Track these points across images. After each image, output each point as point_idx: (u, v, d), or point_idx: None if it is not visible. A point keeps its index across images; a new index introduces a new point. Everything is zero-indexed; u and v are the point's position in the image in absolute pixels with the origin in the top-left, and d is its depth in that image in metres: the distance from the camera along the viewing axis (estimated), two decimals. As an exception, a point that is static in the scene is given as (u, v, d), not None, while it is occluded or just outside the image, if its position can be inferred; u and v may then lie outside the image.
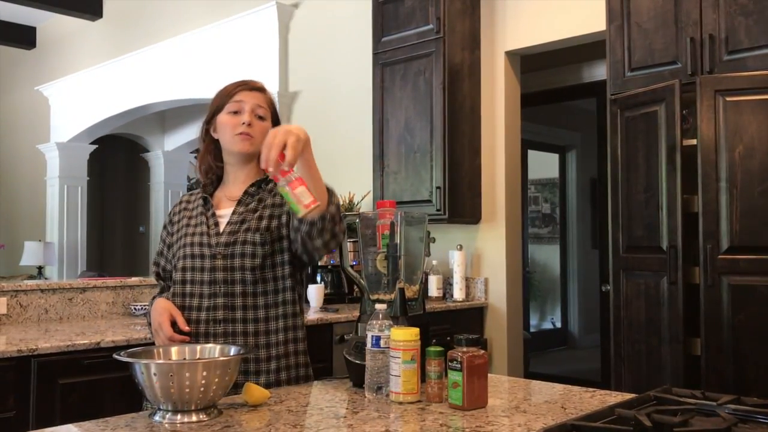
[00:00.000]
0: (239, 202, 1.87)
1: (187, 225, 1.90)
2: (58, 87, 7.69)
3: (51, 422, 2.35)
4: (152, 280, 2.84)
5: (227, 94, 1.88)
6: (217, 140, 1.91)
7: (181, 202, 2.00)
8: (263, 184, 1.90)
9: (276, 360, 1.83)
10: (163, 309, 1.80)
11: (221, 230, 1.85)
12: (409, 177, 3.96)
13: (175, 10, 6.29)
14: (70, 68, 7.60)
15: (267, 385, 1.74)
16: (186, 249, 1.85)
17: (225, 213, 1.88)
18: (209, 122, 1.91)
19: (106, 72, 6.99)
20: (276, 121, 1.93)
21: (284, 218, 1.85)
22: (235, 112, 1.85)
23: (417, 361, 1.57)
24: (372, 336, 1.62)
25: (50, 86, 7.78)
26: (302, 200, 1.55)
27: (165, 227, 1.99)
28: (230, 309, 1.80)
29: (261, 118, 1.87)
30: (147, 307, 2.07)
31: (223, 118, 1.87)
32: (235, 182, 1.91)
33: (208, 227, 1.86)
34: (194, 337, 1.79)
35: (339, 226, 1.74)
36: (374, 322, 1.63)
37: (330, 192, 1.74)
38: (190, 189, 8.23)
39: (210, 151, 1.93)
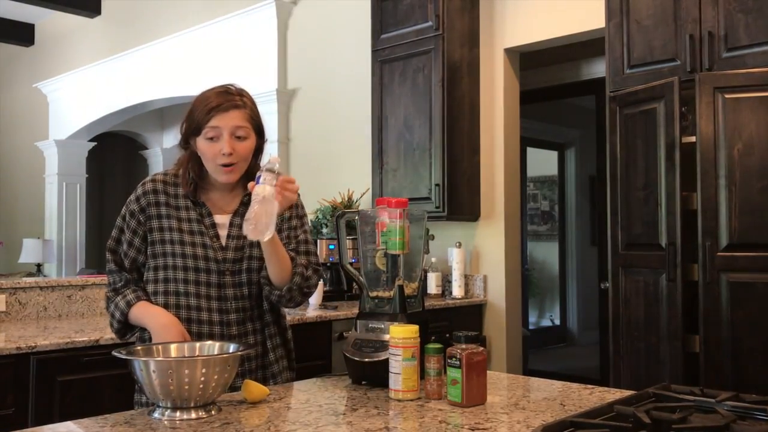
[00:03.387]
0: (236, 213, 1.84)
1: (179, 229, 1.79)
2: (57, 84, 7.69)
3: (50, 420, 2.35)
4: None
5: (203, 114, 1.75)
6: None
7: (149, 192, 1.82)
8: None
9: (288, 360, 1.92)
10: (178, 332, 1.71)
11: (224, 244, 1.81)
12: (408, 174, 3.96)
13: (174, 8, 6.28)
14: (68, 65, 7.59)
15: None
16: (188, 260, 1.78)
17: (222, 222, 1.83)
18: (187, 139, 1.80)
19: (105, 69, 6.98)
20: (261, 129, 1.84)
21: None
22: (212, 138, 1.75)
23: (417, 359, 1.57)
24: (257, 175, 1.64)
25: (49, 83, 7.77)
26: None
27: (133, 214, 1.82)
28: (242, 323, 1.82)
29: (240, 138, 1.77)
30: (121, 307, 1.80)
31: (201, 144, 1.77)
32: (223, 191, 1.85)
33: (210, 239, 1.80)
34: (218, 338, 1.78)
35: (307, 288, 1.83)
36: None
37: (293, 262, 1.79)
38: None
39: (193, 159, 1.82)
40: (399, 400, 1.56)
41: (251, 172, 1.79)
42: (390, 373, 1.58)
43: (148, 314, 1.78)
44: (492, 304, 4.03)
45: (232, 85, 1.82)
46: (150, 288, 1.84)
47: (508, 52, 4.07)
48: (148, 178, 1.86)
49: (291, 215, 1.89)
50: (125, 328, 1.84)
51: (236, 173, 1.79)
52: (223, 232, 1.83)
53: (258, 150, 1.86)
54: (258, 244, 1.79)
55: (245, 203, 1.82)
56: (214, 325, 1.78)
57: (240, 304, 1.81)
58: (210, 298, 1.79)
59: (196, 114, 1.77)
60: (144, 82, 6.50)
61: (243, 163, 1.79)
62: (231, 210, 1.85)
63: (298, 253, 1.84)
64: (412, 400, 1.56)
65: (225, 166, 1.76)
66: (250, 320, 1.83)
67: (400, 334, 1.57)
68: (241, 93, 1.82)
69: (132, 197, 1.85)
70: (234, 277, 1.81)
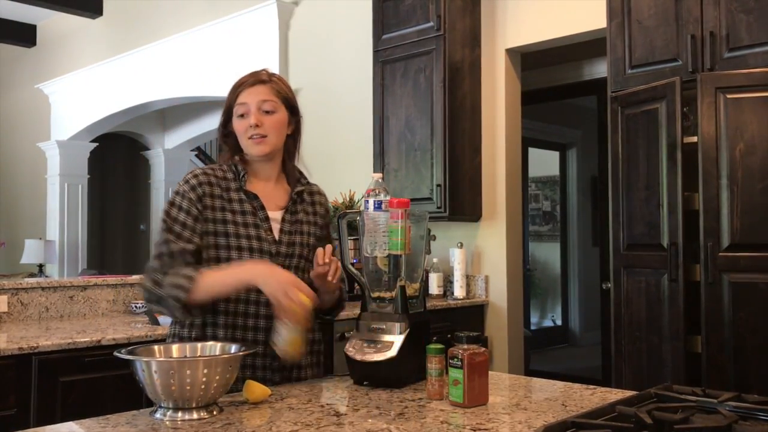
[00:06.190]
0: (287, 210, 1.86)
1: (234, 222, 1.78)
2: (59, 85, 7.69)
3: (52, 420, 2.35)
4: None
5: (232, 95, 1.82)
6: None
7: (204, 184, 1.79)
8: (303, 195, 1.91)
9: (316, 355, 1.94)
10: (288, 272, 1.71)
11: (277, 238, 1.81)
12: (409, 175, 3.96)
13: (176, 8, 6.29)
14: (70, 66, 7.60)
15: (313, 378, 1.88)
16: (243, 252, 1.76)
17: (275, 217, 1.84)
18: (226, 125, 1.85)
19: (107, 70, 6.99)
20: (293, 105, 1.87)
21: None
22: (242, 115, 1.80)
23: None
24: (374, 201, 1.74)
25: (51, 84, 7.78)
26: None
27: (192, 202, 1.76)
28: None
29: (269, 112, 1.80)
30: (188, 273, 1.68)
31: (234, 123, 1.82)
32: (268, 180, 1.87)
33: (265, 232, 1.80)
34: (264, 333, 1.76)
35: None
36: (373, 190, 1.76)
37: (341, 292, 1.93)
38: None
39: (236, 149, 1.86)
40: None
41: (290, 151, 1.89)
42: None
43: (235, 269, 1.71)
44: (493, 304, 4.03)
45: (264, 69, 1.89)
46: None
47: (510, 52, 4.07)
48: (197, 171, 1.82)
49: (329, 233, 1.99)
50: (189, 303, 1.68)
51: (266, 145, 1.81)
52: (275, 227, 1.83)
53: (296, 130, 1.90)
54: (307, 243, 1.86)
55: (294, 200, 1.87)
56: (260, 318, 1.77)
57: None
58: (260, 291, 1.74)
59: (228, 97, 1.83)
60: (146, 83, 6.50)
61: (273, 137, 1.81)
62: (282, 205, 1.86)
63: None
64: (413, 400, 1.56)
65: (254, 137, 1.79)
66: None
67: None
68: (270, 72, 1.87)
69: (185, 188, 1.78)
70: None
